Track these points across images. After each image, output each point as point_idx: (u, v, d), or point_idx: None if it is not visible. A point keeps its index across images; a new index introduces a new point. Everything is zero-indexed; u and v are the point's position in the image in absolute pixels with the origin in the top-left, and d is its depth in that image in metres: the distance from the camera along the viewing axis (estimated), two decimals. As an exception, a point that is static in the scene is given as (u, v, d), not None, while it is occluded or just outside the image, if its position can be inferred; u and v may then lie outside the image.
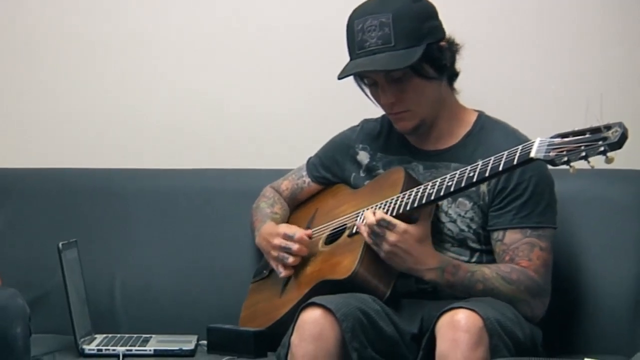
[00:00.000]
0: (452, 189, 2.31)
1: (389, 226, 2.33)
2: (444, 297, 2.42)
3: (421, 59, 2.41)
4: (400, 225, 2.34)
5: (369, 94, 2.53)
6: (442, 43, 2.46)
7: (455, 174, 2.33)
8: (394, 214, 2.39)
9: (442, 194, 2.32)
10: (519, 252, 2.42)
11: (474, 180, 2.28)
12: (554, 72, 3.09)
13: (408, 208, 2.37)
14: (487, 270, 2.39)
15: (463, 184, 2.30)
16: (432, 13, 2.47)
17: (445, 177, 2.34)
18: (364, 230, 2.38)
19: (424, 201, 2.35)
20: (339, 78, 2.47)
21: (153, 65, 3.23)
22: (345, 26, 2.49)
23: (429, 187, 2.36)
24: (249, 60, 3.20)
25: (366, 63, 2.41)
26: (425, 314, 2.38)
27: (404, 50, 2.40)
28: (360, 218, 2.46)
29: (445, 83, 2.52)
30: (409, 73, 2.42)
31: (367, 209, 2.45)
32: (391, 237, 2.33)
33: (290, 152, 3.06)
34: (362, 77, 2.51)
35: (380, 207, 2.43)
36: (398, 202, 2.40)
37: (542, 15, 3.10)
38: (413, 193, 2.38)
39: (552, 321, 2.46)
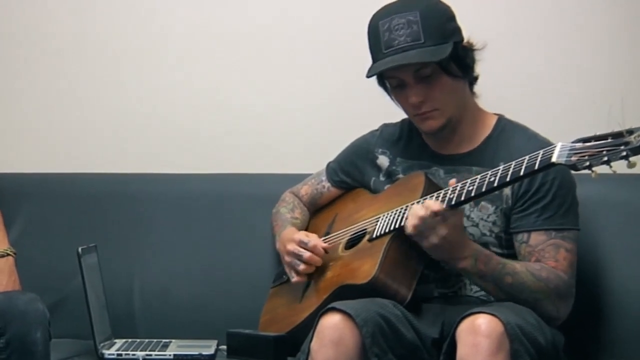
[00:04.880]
0: (472, 194, 2.30)
1: (442, 217, 2.28)
2: (465, 301, 2.42)
3: (449, 57, 2.42)
4: (451, 216, 2.30)
5: (392, 96, 2.52)
6: (465, 43, 2.48)
7: (476, 178, 2.31)
8: None
9: (462, 198, 2.31)
10: (545, 254, 2.41)
11: (495, 184, 2.27)
12: (576, 75, 3.07)
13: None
14: (517, 265, 2.37)
15: (484, 189, 2.28)
16: (453, 14, 2.49)
17: (466, 182, 2.32)
18: (411, 222, 2.31)
19: (444, 206, 2.33)
20: (368, 76, 2.47)
21: (172, 71, 3.23)
22: (367, 28, 2.49)
23: (449, 191, 2.34)
24: (268, 66, 3.20)
25: (398, 59, 2.41)
26: (446, 319, 2.37)
27: (433, 46, 2.41)
28: (390, 217, 2.44)
29: (466, 86, 2.51)
30: (438, 71, 2.43)
31: (396, 210, 2.43)
32: (442, 229, 2.28)
33: (308, 157, 3.06)
34: (387, 79, 2.50)
35: (400, 213, 2.42)
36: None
37: (564, 17, 3.09)
38: (433, 198, 2.36)
39: (575, 326, 2.45)
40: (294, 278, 2.58)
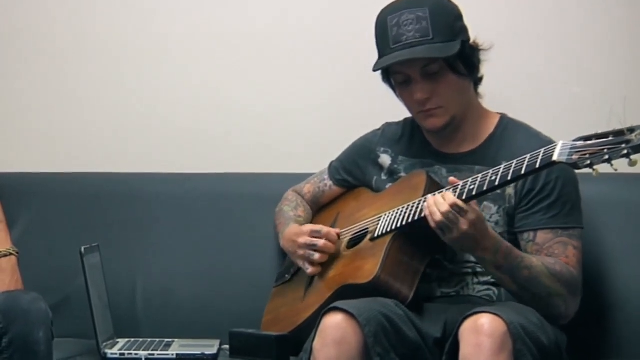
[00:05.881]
0: (474, 192, 2.30)
1: (461, 212, 2.27)
2: (468, 301, 2.43)
3: (456, 55, 2.42)
4: (472, 211, 2.29)
5: (397, 93, 2.53)
6: (472, 43, 2.49)
7: (477, 177, 2.32)
8: (416, 218, 2.39)
9: (464, 197, 2.31)
10: (554, 251, 2.41)
11: (497, 183, 2.28)
12: (578, 74, 3.08)
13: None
14: (534, 259, 2.37)
15: (485, 187, 2.29)
16: (460, 13, 2.50)
17: (468, 181, 2.33)
18: (434, 214, 2.29)
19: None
20: (374, 70, 2.48)
21: (172, 71, 3.23)
22: (375, 23, 2.50)
23: (450, 190, 2.35)
24: (272, 65, 3.20)
25: (406, 54, 2.42)
26: (448, 318, 2.37)
27: (442, 43, 2.42)
28: (392, 216, 2.44)
29: (471, 86, 2.52)
30: (445, 68, 2.44)
31: (407, 205, 2.43)
32: (464, 224, 2.27)
33: (308, 157, 3.07)
34: (393, 75, 2.51)
35: (402, 212, 2.43)
36: (420, 206, 2.39)
37: (566, 16, 3.09)
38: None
39: (578, 325, 2.45)
40: (309, 269, 2.58)
